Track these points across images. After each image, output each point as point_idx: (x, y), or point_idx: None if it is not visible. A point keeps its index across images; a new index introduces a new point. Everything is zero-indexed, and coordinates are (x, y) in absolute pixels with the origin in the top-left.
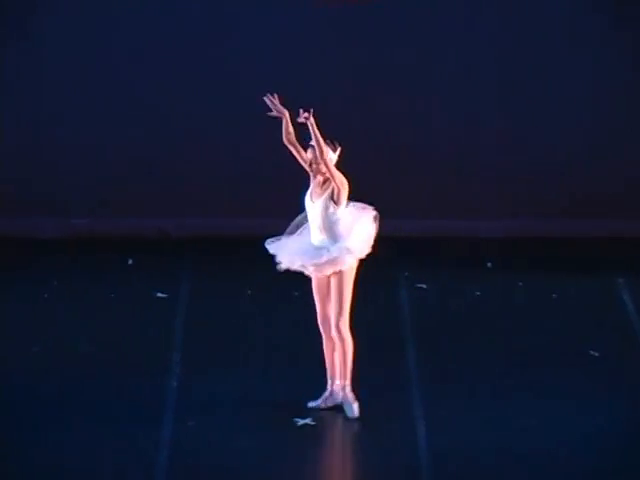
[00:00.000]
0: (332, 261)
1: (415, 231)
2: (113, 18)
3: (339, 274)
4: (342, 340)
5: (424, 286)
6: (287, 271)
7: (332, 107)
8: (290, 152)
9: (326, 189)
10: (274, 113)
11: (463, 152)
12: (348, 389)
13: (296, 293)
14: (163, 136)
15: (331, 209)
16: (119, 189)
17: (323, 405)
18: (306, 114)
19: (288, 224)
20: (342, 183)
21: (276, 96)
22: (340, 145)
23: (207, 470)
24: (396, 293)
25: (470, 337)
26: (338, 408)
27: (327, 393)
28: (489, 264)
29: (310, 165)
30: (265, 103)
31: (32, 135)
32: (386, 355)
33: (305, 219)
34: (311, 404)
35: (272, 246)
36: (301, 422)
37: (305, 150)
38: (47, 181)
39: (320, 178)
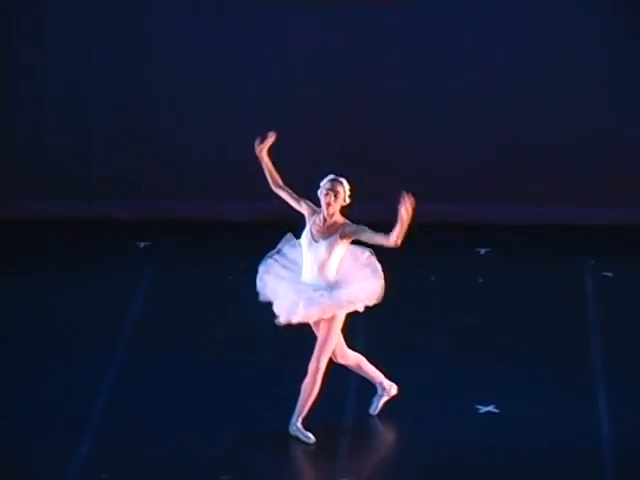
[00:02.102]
0: (329, 308)
1: (601, 219)
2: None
3: (331, 317)
4: (315, 378)
5: (610, 274)
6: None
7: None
8: (282, 199)
9: (333, 231)
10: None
11: None
12: (299, 424)
13: (480, 280)
14: (371, 122)
15: (337, 249)
16: (311, 174)
17: (381, 403)
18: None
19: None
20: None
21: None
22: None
23: (387, 456)
24: (581, 281)
25: None
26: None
27: (380, 392)
28: None
29: (325, 217)
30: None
31: (219, 123)
32: (571, 342)
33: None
34: (372, 410)
35: (261, 287)
36: (484, 409)
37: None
38: (235, 166)
39: (329, 221)
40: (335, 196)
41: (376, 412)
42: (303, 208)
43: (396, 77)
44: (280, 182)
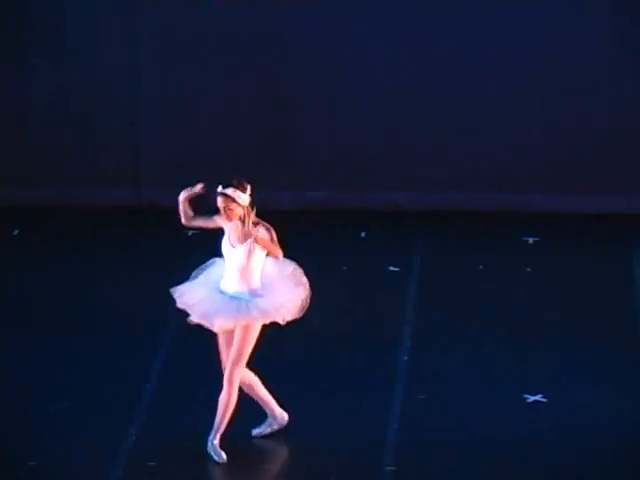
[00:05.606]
0: (258, 317)
1: None
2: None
3: (247, 326)
4: (229, 390)
5: None
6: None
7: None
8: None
9: (249, 235)
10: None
11: None
12: (216, 442)
13: (529, 269)
14: (402, 112)
15: (255, 254)
16: (353, 162)
17: (269, 430)
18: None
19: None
20: (277, 251)
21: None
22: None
23: (435, 445)
24: (630, 270)
25: None
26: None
27: (270, 418)
28: None
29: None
30: None
31: (265, 112)
32: (619, 331)
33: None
34: (255, 431)
35: (178, 298)
36: (531, 399)
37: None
38: (285, 155)
39: (238, 222)
40: (227, 211)
41: (259, 435)
42: (217, 222)
43: (448, 62)
44: (190, 216)
